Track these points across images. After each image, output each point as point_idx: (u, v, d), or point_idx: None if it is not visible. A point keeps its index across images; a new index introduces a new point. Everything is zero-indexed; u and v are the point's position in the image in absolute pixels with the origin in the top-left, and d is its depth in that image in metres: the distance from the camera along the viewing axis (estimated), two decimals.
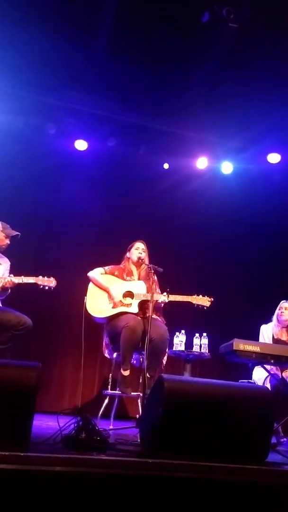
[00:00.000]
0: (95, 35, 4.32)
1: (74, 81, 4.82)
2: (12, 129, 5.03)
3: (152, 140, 5.51)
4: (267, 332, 4.06)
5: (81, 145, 5.43)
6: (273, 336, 4.03)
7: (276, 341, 3.99)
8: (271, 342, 3.94)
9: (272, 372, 3.63)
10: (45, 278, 3.57)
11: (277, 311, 4.12)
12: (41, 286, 3.56)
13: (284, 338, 4.06)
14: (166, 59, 4.51)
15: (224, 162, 5.84)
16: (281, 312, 4.06)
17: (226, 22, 3.86)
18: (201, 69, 4.63)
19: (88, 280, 3.70)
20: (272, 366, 3.60)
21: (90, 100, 5.08)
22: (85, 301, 3.58)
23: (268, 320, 4.19)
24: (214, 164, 5.84)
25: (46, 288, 3.57)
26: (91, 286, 3.68)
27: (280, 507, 1.78)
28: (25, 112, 4.99)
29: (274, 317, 4.13)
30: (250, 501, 1.76)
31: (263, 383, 3.68)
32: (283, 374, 3.86)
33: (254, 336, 4.07)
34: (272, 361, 3.16)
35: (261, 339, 4.03)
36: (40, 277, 3.57)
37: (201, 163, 5.75)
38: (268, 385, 3.51)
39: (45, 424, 3.00)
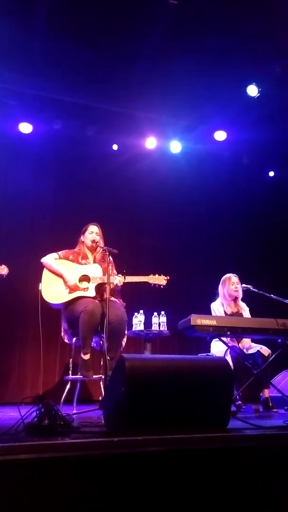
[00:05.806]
0: (33, 12, 4.13)
1: (13, 60, 4.60)
2: None
3: (99, 120, 5.40)
4: (218, 308, 4.14)
5: (25, 128, 5.23)
6: (224, 312, 4.12)
7: (230, 314, 4.09)
8: None
9: (230, 344, 3.74)
10: None
11: (227, 286, 4.16)
12: None
13: (235, 310, 4.16)
14: (108, 35, 4.39)
15: (173, 141, 5.85)
16: (231, 286, 4.14)
17: None
18: (145, 47, 4.56)
19: (42, 266, 3.62)
20: (229, 339, 3.71)
21: (32, 80, 4.87)
22: (40, 288, 3.50)
23: (213, 298, 4.24)
24: (163, 144, 5.83)
25: None
26: (45, 272, 3.60)
27: (243, 469, 1.86)
28: None
29: (224, 292, 4.17)
30: (216, 467, 1.82)
31: (224, 355, 3.79)
32: (240, 344, 3.99)
33: (209, 311, 4.15)
34: (228, 333, 3.26)
35: None
36: None
37: (150, 142, 5.73)
38: (228, 358, 3.61)
39: (6, 415, 2.94)
